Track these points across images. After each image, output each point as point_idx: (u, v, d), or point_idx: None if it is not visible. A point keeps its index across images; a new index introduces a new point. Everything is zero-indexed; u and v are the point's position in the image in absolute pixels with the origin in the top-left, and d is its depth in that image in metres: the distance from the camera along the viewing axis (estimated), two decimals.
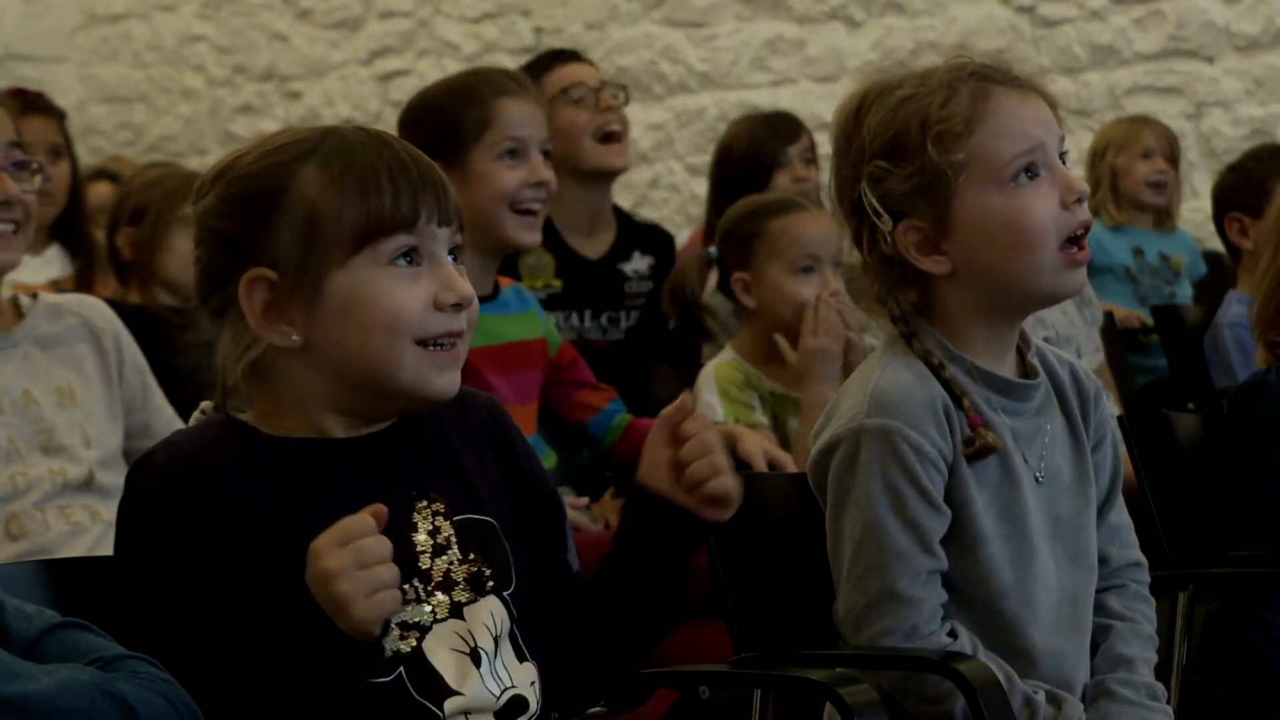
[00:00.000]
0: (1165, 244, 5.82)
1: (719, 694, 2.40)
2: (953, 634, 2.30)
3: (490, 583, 1.99)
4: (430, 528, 1.97)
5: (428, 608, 1.94)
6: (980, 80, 2.32)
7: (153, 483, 1.90)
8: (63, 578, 2.00)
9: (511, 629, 1.99)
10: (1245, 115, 6.54)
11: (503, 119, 3.43)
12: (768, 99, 6.93)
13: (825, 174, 5.23)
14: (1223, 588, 3.13)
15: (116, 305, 3.75)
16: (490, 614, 1.98)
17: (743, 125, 5.16)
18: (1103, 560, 2.44)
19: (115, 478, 2.99)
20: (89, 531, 2.92)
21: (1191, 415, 3.65)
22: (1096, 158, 5.91)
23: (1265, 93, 6.54)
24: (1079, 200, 2.32)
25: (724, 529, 2.49)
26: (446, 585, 1.96)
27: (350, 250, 1.91)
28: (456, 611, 1.96)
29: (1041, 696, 2.32)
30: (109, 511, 2.95)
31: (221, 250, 1.95)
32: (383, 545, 1.81)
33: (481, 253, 3.46)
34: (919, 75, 2.34)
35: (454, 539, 1.98)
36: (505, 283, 3.59)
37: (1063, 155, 2.34)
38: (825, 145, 6.88)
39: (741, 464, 3.44)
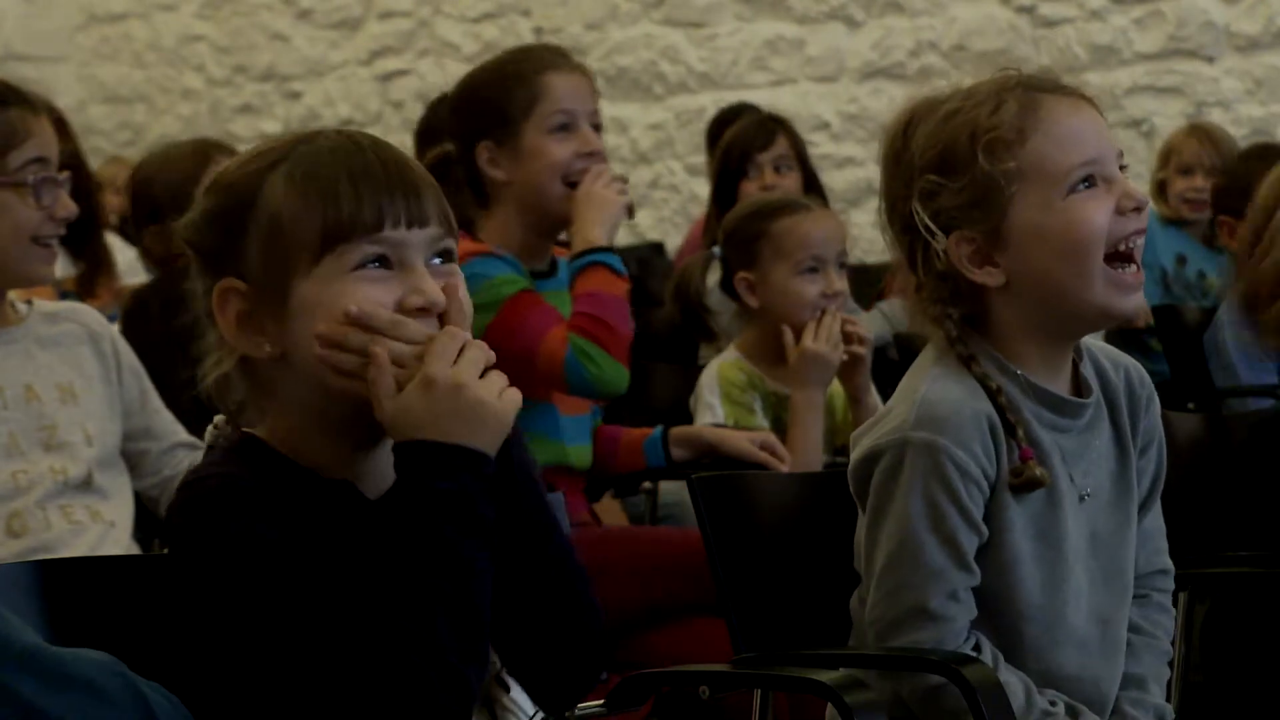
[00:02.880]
0: (1208, 263, 5.77)
1: (719, 694, 2.40)
2: (977, 647, 2.29)
3: None
4: None
5: None
6: (1028, 89, 2.30)
7: (217, 485, 1.87)
8: (63, 578, 2.00)
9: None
10: (1245, 115, 6.54)
11: (551, 93, 3.43)
12: (768, 99, 6.93)
13: (826, 175, 5.24)
14: (1222, 588, 3.13)
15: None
16: (494, 660, 1.96)
17: (734, 124, 5.18)
18: None
19: (113, 478, 3.00)
20: (89, 530, 2.92)
21: (1191, 415, 3.65)
22: (1159, 164, 5.91)
23: (1265, 93, 6.55)
24: (1136, 208, 2.29)
25: (724, 529, 2.50)
26: None
27: (313, 258, 1.88)
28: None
29: (1060, 708, 2.31)
30: (109, 511, 2.95)
31: (202, 264, 1.95)
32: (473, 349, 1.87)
33: (536, 231, 3.48)
34: (964, 90, 2.32)
35: None
36: (559, 253, 3.59)
37: (1122, 167, 2.32)
38: (825, 145, 6.92)
39: (737, 464, 3.45)
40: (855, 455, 2.34)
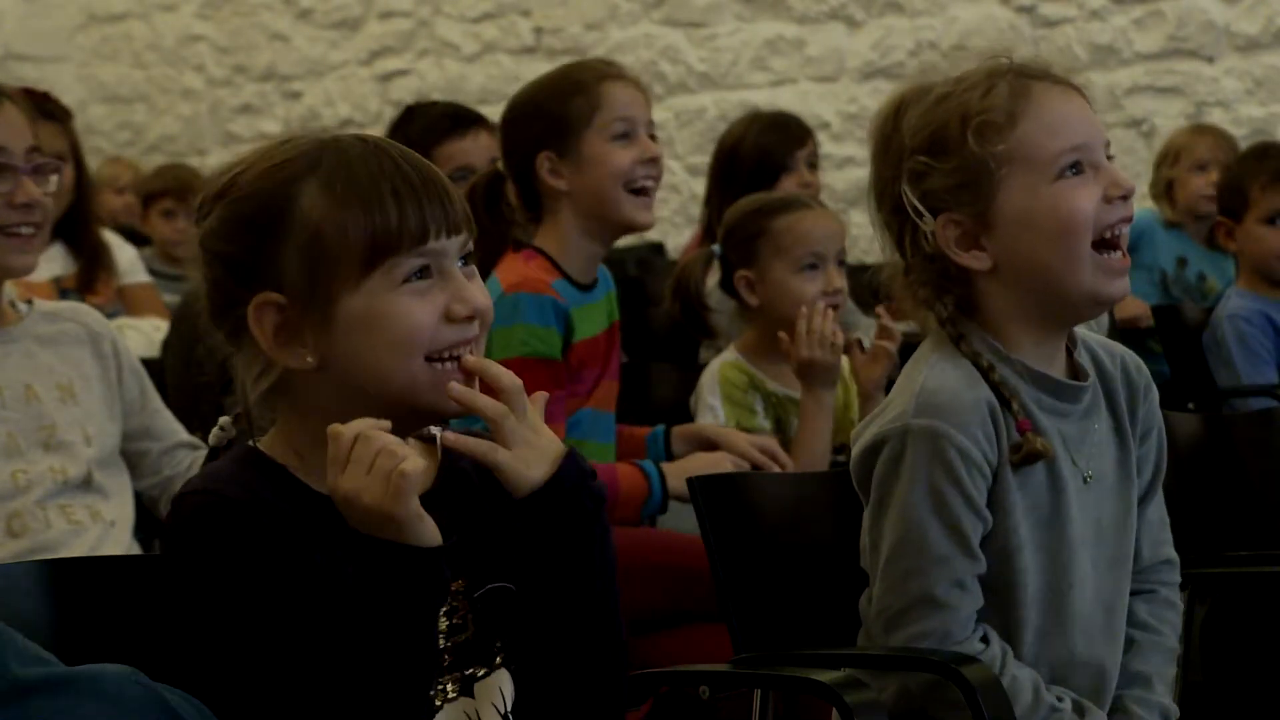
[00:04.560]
0: (1208, 265, 5.79)
1: (719, 694, 2.40)
2: (985, 640, 2.29)
3: (499, 656, 1.97)
4: (447, 608, 1.93)
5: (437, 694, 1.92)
6: (1019, 76, 2.32)
7: (203, 501, 1.87)
8: (63, 578, 1.99)
9: (517, 704, 1.97)
10: (1245, 115, 6.54)
11: (610, 102, 3.46)
12: (768, 99, 6.93)
13: (826, 175, 5.25)
14: (1223, 588, 3.13)
15: None
16: (499, 690, 1.96)
17: (748, 126, 5.16)
18: (1134, 557, 2.42)
19: (113, 477, 2.99)
20: (89, 530, 2.92)
21: (1191, 415, 3.65)
22: (1159, 164, 5.92)
23: (1265, 93, 6.54)
24: (1124, 197, 2.30)
25: (724, 529, 2.50)
26: (459, 664, 1.94)
27: (360, 272, 1.88)
28: (467, 689, 1.94)
29: (1068, 704, 2.31)
30: (109, 511, 2.95)
31: (228, 274, 1.92)
32: (373, 440, 1.82)
33: (595, 239, 3.51)
34: (955, 76, 2.34)
35: (470, 617, 1.95)
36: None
37: (1110, 156, 2.33)
38: (825, 145, 6.91)
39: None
40: (857, 448, 2.35)
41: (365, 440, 1.82)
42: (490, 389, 1.92)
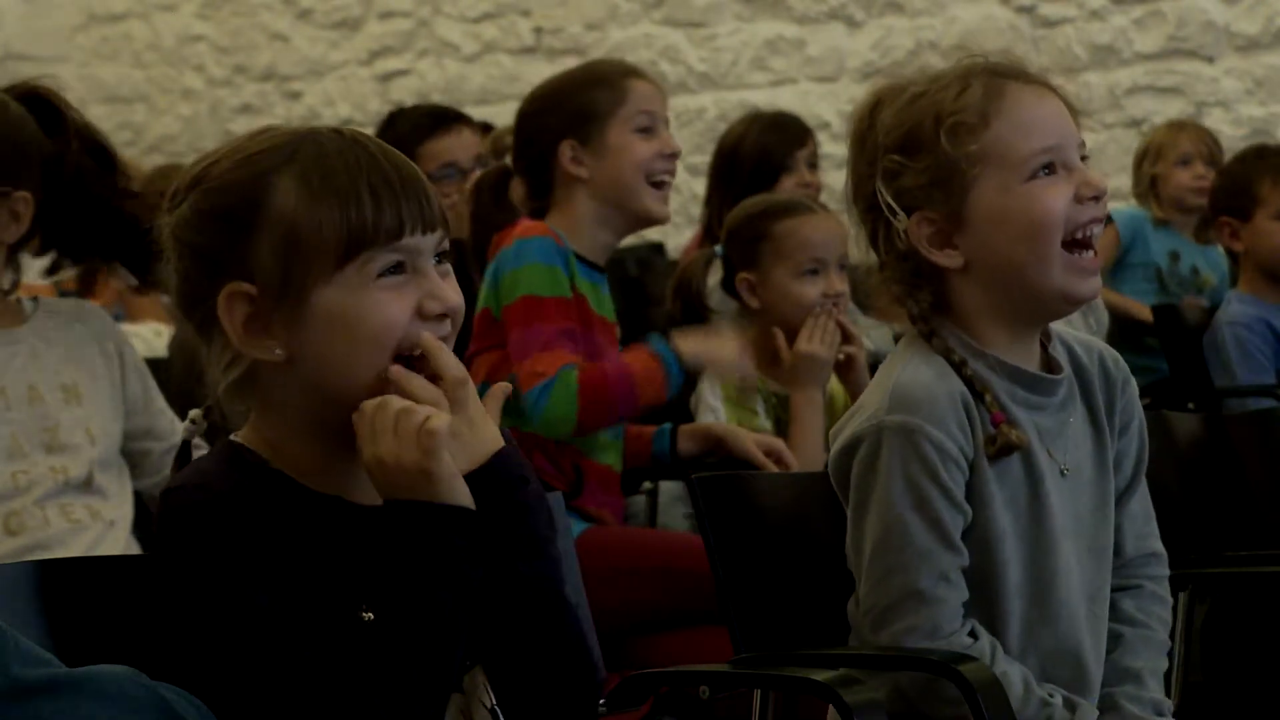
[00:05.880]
0: (1200, 258, 5.84)
1: (719, 694, 2.41)
2: (973, 634, 2.30)
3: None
4: None
5: None
6: (994, 75, 2.33)
7: (189, 498, 1.87)
8: (61, 578, 1.99)
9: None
10: (1245, 115, 6.54)
11: (634, 95, 3.55)
12: (768, 99, 6.94)
13: (827, 176, 5.26)
14: (1223, 588, 3.13)
15: None
16: (483, 684, 1.95)
17: (748, 126, 5.17)
18: (1117, 551, 2.42)
19: (114, 477, 2.99)
20: (89, 530, 2.91)
21: (1191, 415, 3.65)
22: (1139, 163, 5.96)
23: (1265, 93, 6.55)
24: (1095, 197, 2.31)
25: (724, 529, 2.50)
26: None
27: (334, 265, 1.87)
28: (458, 683, 1.93)
29: (1059, 700, 2.31)
30: (109, 510, 2.95)
31: (198, 265, 1.91)
32: (390, 404, 1.85)
33: (609, 228, 3.58)
34: (932, 74, 2.35)
35: None
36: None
37: (1084, 157, 2.34)
38: (825, 145, 6.91)
39: (742, 463, 3.45)
40: (834, 448, 2.36)
41: (383, 407, 1.85)
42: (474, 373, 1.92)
